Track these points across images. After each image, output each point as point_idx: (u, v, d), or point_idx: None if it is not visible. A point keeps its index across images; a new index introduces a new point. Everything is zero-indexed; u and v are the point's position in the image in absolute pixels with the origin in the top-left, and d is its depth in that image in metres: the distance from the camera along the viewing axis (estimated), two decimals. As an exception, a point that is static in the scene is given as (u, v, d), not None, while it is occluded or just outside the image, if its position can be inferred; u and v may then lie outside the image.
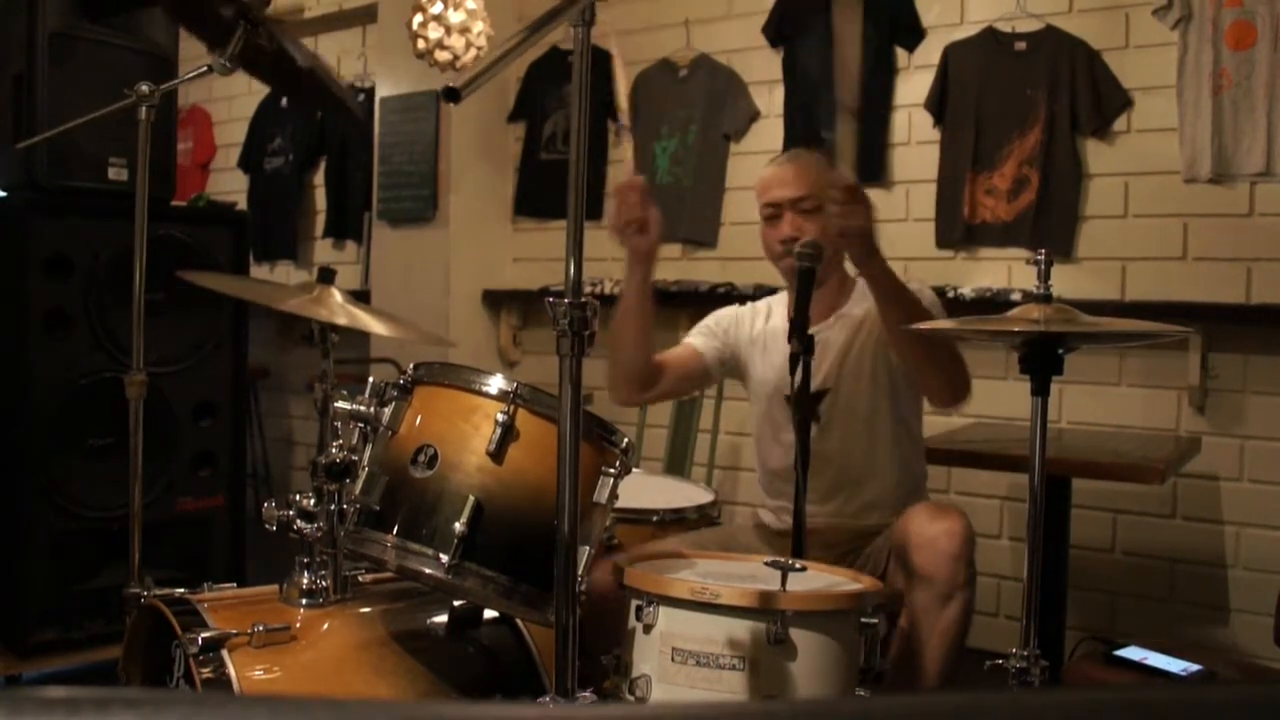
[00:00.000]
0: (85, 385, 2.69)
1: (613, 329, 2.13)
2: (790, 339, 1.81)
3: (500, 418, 1.51)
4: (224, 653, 1.54)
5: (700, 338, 2.29)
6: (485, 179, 4.42)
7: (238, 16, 1.73)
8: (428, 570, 1.51)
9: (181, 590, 1.69)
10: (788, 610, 1.40)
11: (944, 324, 2.06)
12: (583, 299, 1.16)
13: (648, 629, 1.45)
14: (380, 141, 4.47)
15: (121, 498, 2.20)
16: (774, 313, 2.28)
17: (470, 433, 1.54)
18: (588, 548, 1.53)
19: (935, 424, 2.90)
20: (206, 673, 1.52)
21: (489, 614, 1.79)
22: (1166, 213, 3.16)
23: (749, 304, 2.37)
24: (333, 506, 1.67)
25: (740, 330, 2.29)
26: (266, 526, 1.72)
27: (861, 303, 2.18)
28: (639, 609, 1.46)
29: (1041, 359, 1.55)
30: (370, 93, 4.59)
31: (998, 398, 3.16)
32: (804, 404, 1.81)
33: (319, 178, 5.14)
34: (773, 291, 2.51)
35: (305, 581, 1.70)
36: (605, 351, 2.22)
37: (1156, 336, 1.92)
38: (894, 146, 3.58)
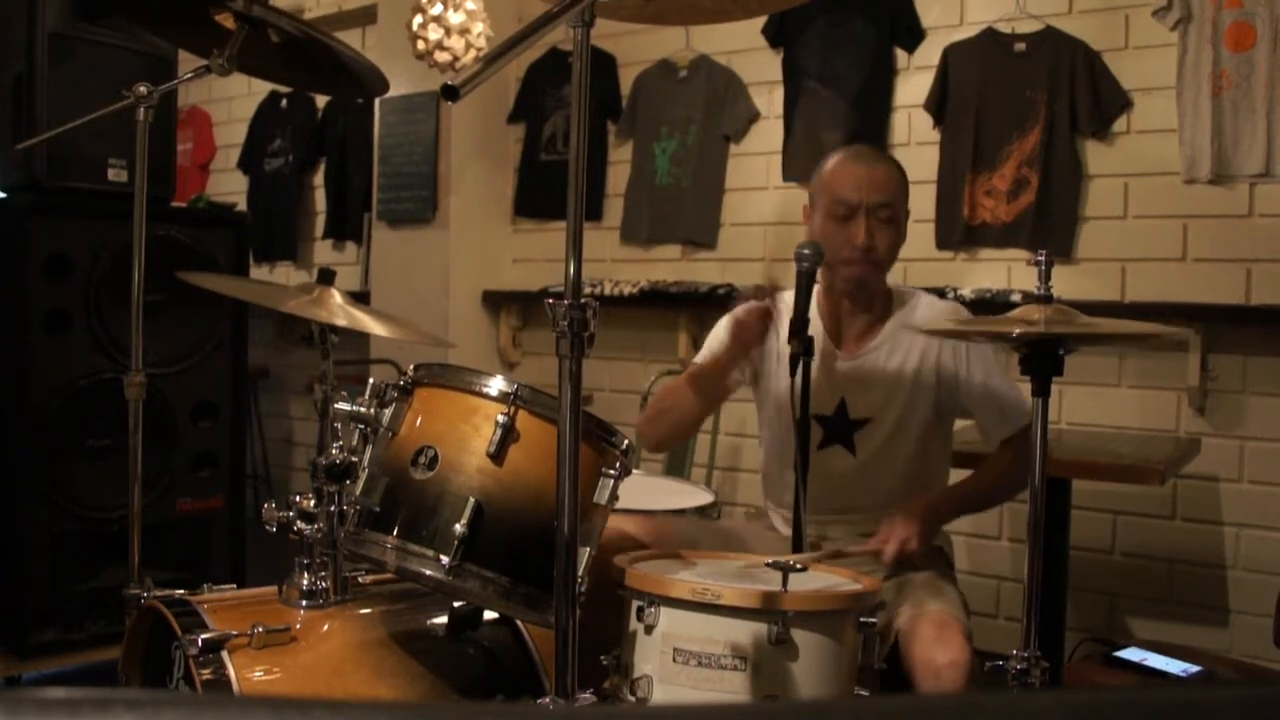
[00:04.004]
0: (85, 385, 2.69)
1: (675, 392, 2.07)
2: (790, 339, 1.81)
3: (500, 419, 1.51)
4: (224, 654, 1.54)
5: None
6: (485, 180, 4.42)
7: (240, 21, 1.72)
8: (428, 571, 1.51)
9: (181, 591, 1.69)
10: (789, 611, 1.40)
11: (944, 328, 2.06)
12: (582, 300, 1.16)
13: (649, 630, 1.45)
14: (380, 142, 4.47)
15: (121, 498, 2.20)
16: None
17: (470, 434, 1.53)
18: (588, 549, 1.53)
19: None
20: (206, 674, 1.52)
21: (489, 615, 1.79)
22: (1166, 213, 3.16)
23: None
24: (333, 508, 1.67)
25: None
26: (266, 527, 1.72)
27: (911, 317, 2.08)
28: (640, 610, 1.46)
29: (1042, 360, 1.55)
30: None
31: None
32: (805, 408, 1.81)
33: (319, 178, 5.15)
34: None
35: (305, 583, 1.70)
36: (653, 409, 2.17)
37: (1157, 339, 1.91)
38: (894, 147, 3.58)
